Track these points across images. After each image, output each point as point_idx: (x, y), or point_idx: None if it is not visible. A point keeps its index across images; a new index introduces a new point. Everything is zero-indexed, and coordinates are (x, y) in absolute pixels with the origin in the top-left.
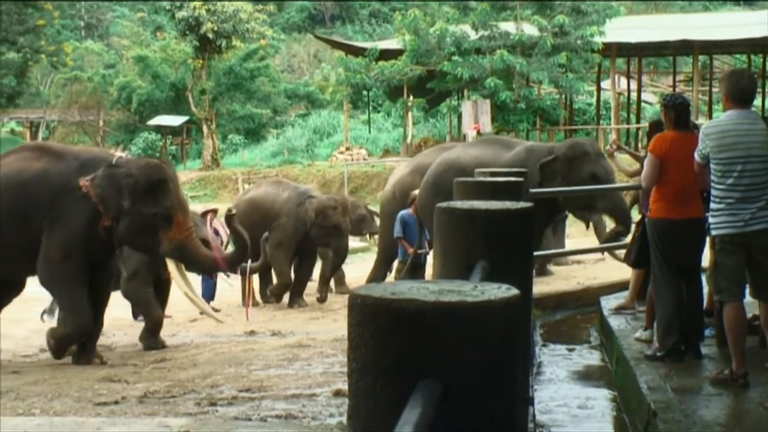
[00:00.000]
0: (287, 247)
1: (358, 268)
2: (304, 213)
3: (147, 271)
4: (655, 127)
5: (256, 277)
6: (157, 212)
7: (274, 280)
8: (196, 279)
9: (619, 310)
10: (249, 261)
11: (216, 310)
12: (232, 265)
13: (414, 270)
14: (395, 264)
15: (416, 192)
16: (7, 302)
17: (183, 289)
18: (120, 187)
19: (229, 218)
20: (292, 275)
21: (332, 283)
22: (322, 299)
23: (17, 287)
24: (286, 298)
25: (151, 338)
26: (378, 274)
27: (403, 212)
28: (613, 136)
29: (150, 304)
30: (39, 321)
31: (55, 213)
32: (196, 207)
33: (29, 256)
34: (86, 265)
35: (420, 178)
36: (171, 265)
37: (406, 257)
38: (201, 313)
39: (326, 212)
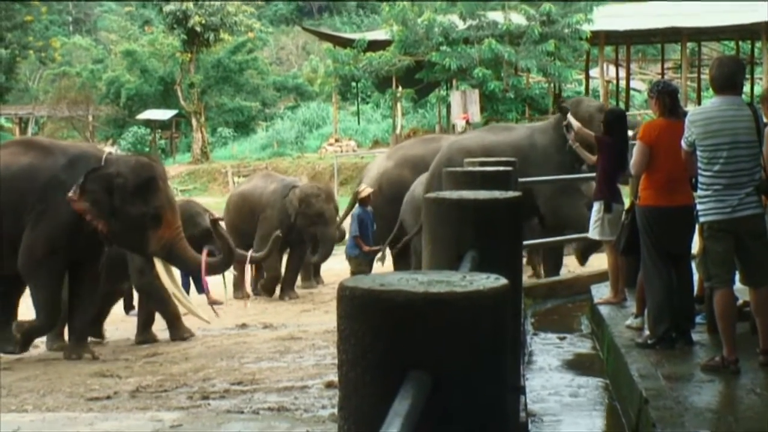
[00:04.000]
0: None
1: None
2: (288, 203)
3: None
4: (611, 114)
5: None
6: (147, 212)
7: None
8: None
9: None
10: (251, 250)
11: (218, 303)
12: (215, 270)
13: (370, 267)
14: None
15: (367, 188)
16: (18, 297)
17: (170, 288)
18: (111, 188)
19: (214, 223)
20: (282, 268)
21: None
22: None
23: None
24: (277, 290)
25: (177, 330)
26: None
27: (357, 210)
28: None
29: (164, 298)
30: (29, 317)
31: (42, 207)
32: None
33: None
34: (67, 262)
35: (408, 170)
36: (158, 264)
37: (361, 254)
38: (185, 314)
39: (309, 200)
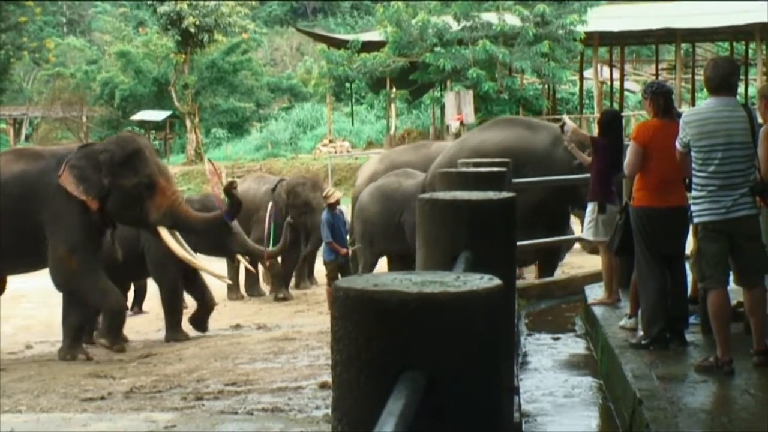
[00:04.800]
0: (268, 239)
1: None
2: (278, 197)
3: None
4: (607, 115)
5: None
6: (139, 181)
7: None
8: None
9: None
10: (267, 246)
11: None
12: (230, 216)
13: (342, 270)
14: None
15: (336, 193)
16: None
17: (180, 252)
18: (97, 164)
19: (230, 185)
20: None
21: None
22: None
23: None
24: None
25: (174, 332)
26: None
27: (326, 215)
28: (595, 127)
29: (178, 298)
30: (24, 318)
31: (49, 215)
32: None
33: (17, 254)
34: (95, 253)
35: (395, 176)
36: (164, 233)
37: (338, 258)
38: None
39: (295, 190)
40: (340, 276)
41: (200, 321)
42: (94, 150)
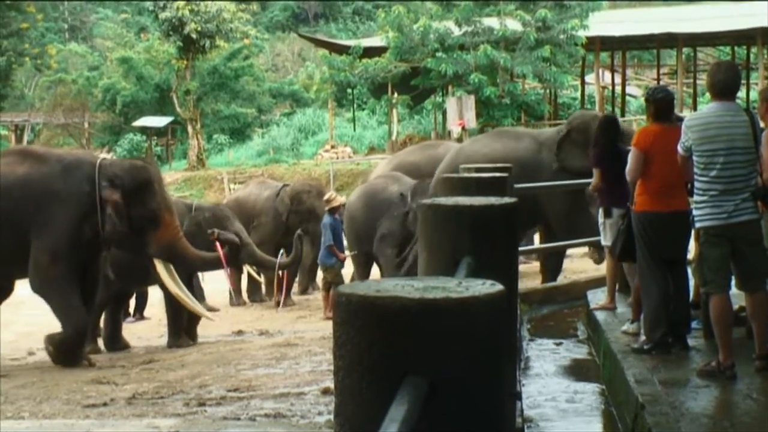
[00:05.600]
0: (268, 245)
1: None
2: (280, 202)
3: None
4: (606, 122)
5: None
6: (144, 214)
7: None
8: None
9: (599, 310)
10: (280, 255)
11: (214, 310)
12: (228, 263)
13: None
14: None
15: (338, 197)
16: None
17: (172, 288)
18: (114, 187)
19: (216, 237)
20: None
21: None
22: (302, 290)
23: (6, 291)
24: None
25: (176, 339)
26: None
27: (327, 219)
28: None
29: (182, 305)
30: (26, 324)
31: (41, 218)
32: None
33: (16, 259)
34: (75, 267)
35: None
36: (159, 266)
37: (337, 263)
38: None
39: (300, 197)
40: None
41: (189, 330)
42: (110, 174)
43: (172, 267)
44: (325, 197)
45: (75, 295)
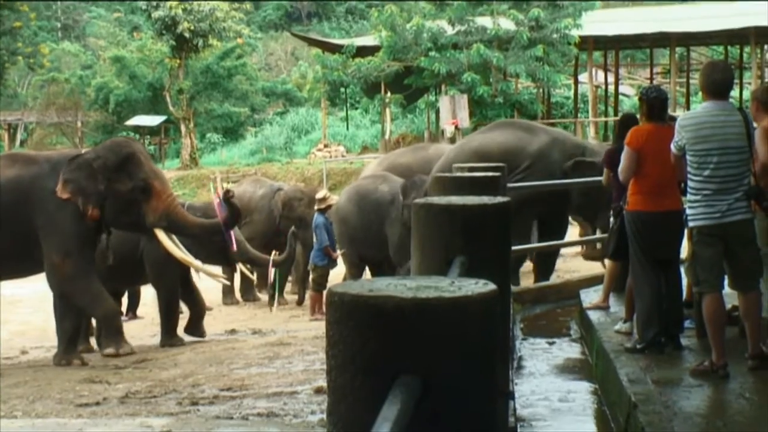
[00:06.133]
0: (258, 242)
1: None
2: (274, 206)
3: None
4: (627, 120)
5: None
6: (134, 186)
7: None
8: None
9: (593, 309)
10: (273, 253)
11: (207, 309)
12: (227, 226)
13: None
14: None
15: (332, 197)
16: None
17: (177, 254)
18: (92, 172)
19: (227, 194)
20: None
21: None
22: (299, 301)
23: None
24: (264, 296)
25: (169, 338)
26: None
27: (319, 219)
28: (590, 130)
29: (175, 302)
30: (19, 323)
31: (43, 219)
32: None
33: (9, 258)
34: (89, 257)
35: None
36: (161, 235)
37: (330, 263)
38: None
39: (291, 203)
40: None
41: (194, 327)
42: (87, 158)
43: (174, 237)
44: (318, 196)
45: (95, 283)
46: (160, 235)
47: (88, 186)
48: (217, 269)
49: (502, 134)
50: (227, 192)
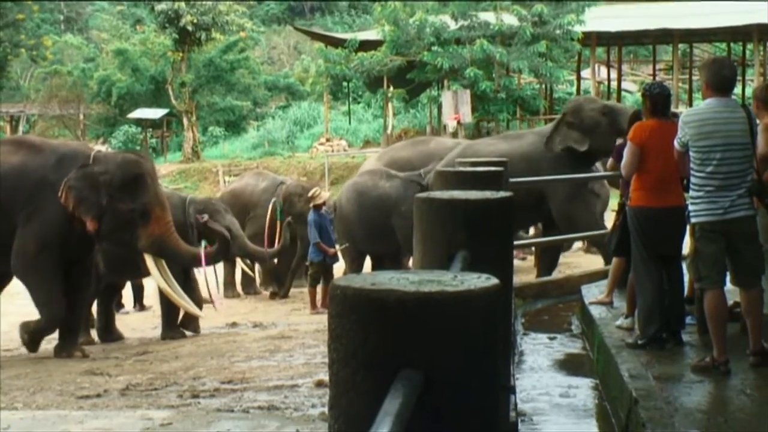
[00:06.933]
0: (262, 237)
1: None
2: (276, 200)
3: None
4: (635, 116)
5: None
6: (134, 208)
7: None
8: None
9: (596, 304)
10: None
11: (209, 302)
12: (213, 260)
13: (326, 272)
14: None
15: (323, 193)
16: None
17: (161, 284)
18: (97, 185)
19: (205, 223)
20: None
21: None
22: (283, 294)
23: (5, 279)
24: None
25: (170, 331)
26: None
27: (312, 216)
28: None
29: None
30: (20, 315)
31: (33, 206)
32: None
33: (9, 248)
34: (61, 260)
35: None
36: (149, 261)
37: (326, 259)
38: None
39: (291, 199)
40: (323, 277)
41: (189, 322)
42: (95, 172)
43: (163, 262)
44: (309, 193)
45: (57, 286)
46: (149, 261)
47: (90, 197)
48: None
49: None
50: (203, 219)
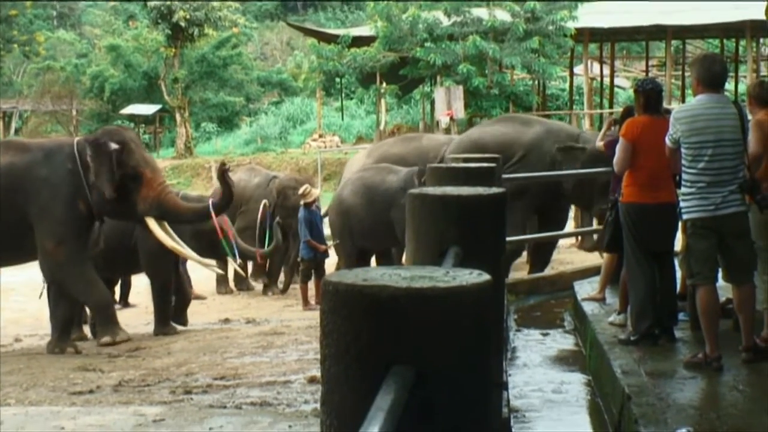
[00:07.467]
0: (253, 230)
1: None
2: (269, 195)
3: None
4: (628, 112)
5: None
6: (125, 174)
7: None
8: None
9: (589, 300)
10: (261, 245)
11: (201, 298)
12: (217, 210)
13: (317, 268)
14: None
15: (313, 191)
16: None
17: (168, 242)
18: (84, 164)
19: (222, 171)
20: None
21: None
22: (283, 289)
23: None
24: (259, 285)
25: (162, 327)
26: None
27: (303, 213)
28: (586, 122)
29: (168, 292)
30: (13, 311)
31: (37, 206)
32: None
33: (3, 247)
34: (83, 245)
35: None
36: (152, 224)
37: (317, 255)
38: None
39: (286, 192)
40: (314, 273)
41: (178, 315)
42: (81, 150)
43: (166, 225)
44: (300, 191)
45: (88, 271)
46: (151, 223)
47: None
48: (211, 262)
49: (500, 127)
50: (222, 165)
